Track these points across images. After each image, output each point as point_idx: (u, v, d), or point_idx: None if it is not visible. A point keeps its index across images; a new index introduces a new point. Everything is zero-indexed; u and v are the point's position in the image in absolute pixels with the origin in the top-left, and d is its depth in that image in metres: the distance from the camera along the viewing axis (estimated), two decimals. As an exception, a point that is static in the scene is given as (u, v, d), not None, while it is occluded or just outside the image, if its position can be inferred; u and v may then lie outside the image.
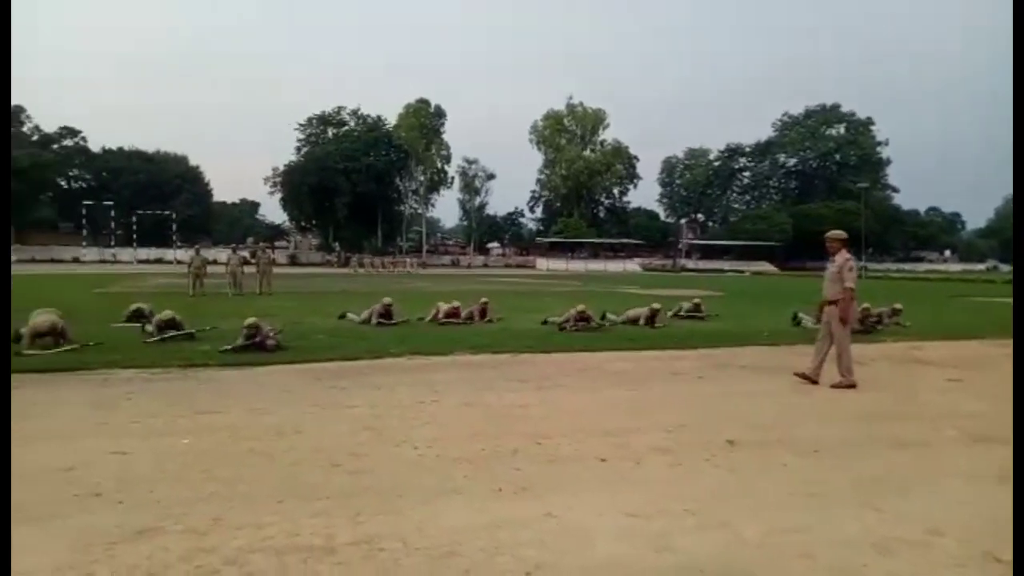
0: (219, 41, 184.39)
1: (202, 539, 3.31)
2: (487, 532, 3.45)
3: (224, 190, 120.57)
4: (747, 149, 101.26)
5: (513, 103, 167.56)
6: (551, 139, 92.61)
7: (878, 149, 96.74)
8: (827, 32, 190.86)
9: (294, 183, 77.32)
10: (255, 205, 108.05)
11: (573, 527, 3.56)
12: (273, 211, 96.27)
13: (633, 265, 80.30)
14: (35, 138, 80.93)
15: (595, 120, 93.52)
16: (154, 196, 78.47)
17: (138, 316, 12.16)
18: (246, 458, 4.72)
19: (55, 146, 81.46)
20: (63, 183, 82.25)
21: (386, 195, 79.88)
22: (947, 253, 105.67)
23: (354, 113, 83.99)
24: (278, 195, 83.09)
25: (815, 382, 7.77)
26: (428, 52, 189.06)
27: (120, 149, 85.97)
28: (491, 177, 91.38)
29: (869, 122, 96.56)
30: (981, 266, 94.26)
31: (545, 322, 13.48)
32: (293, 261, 70.80)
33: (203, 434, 5.33)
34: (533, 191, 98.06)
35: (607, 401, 6.92)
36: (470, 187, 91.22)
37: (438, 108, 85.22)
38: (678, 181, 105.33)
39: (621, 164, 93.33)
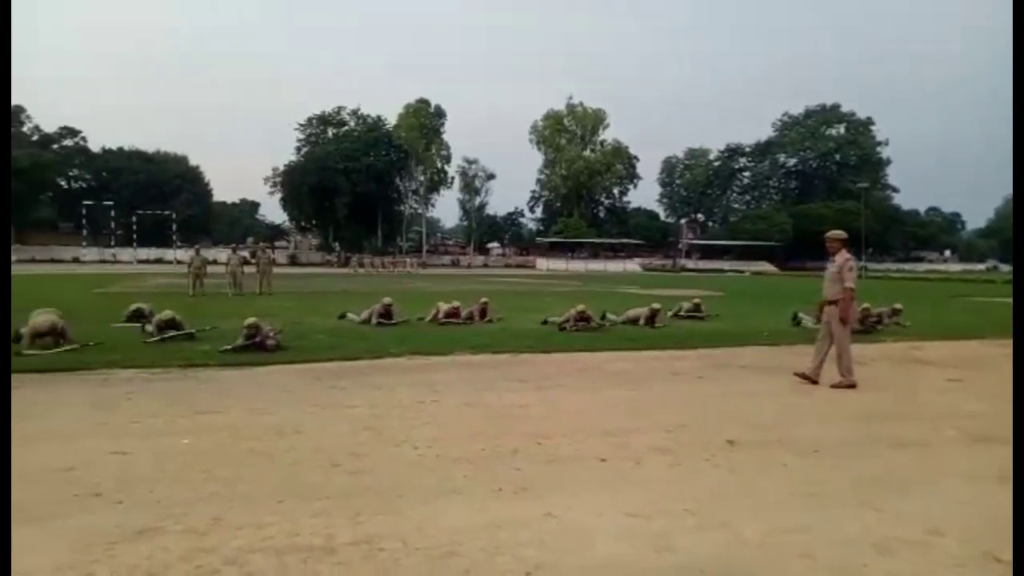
0: (219, 41, 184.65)
1: (202, 539, 3.31)
2: (487, 532, 3.45)
3: (224, 190, 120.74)
4: (747, 149, 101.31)
5: (513, 103, 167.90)
6: (551, 139, 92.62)
7: (878, 149, 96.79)
8: (827, 32, 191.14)
9: (294, 183, 77.33)
10: (255, 205, 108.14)
11: (573, 527, 3.56)
12: (273, 211, 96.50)
13: (633, 265, 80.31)
14: (35, 138, 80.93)
15: (595, 120, 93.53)
16: (154, 196, 78.50)
17: (138, 316, 12.17)
18: (246, 458, 4.72)
19: (55, 146, 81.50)
20: (63, 183, 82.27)
21: (386, 195, 79.89)
22: (947, 253, 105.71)
23: (354, 113, 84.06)
24: (278, 195, 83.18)
25: (815, 382, 7.77)
26: (428, 52, 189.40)
27: (120, 149, 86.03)
28: (491, 177, 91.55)
29: (869, 122, 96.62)
30: (981, 266, 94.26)
31: (545, 322, 13.48)
32: (293, 261, 70.82)
33: (203, 434, 5.33)
34: (533, 191, 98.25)
35: (607, 401, 6.92)
36: (470, 187, 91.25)
37: (438, 108, 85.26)
38: (678, 181, 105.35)
39: (621, 164, 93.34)
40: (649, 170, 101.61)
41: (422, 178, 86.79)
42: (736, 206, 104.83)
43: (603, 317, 13.47)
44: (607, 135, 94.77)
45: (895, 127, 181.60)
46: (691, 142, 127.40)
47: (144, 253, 67.02)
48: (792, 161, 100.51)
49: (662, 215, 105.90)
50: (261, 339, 9.43)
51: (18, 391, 6.83)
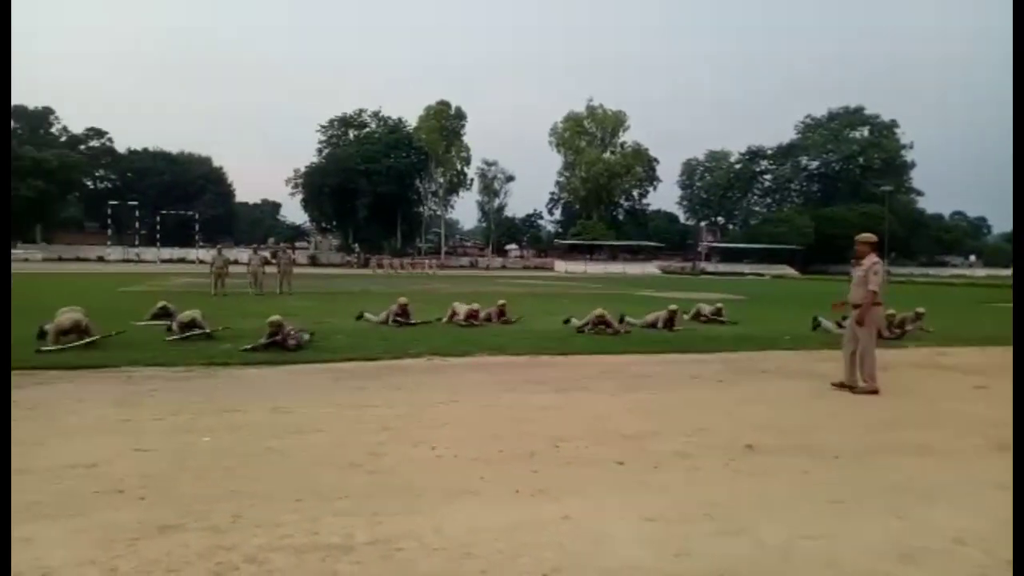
0: (243, 43, 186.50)
1: (222, 536, 3.34)
2: (505, 533, 3.45)
3: (246, 191, 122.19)
4: (769, 151, 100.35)
5: (533, 105, 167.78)
6: (571, 141, 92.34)
7: (902, 152, 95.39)
8: (851, 34, 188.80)
9: (315, 184, 77.92)
10: (276, 206, 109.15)
11: (591, 530, 3.54)
12: (294, 212, 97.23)
13: (652, 268, 79.91)
14: (63, 139, 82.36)
15: (615, 122, 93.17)
16: (178, 196, 79.60)
17: (165, 314, 12.37)
18: (266, 456, 4.76)
19: (82, 147, 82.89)
20: (90, 183, 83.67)
21: (406, 196, 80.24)
22: (972, 258, 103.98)
23: (375, 115, 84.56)
24: (299, 196, 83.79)
25: (853, 388, 7.68)
26: (449, 54, 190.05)
27: (145, 150, 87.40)
28: (510, 179, 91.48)
29: (894, 125, 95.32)
30: (1007, 271, 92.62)
31: (567, 321, 13.45)
32: (313, 262, 71.27)
33: (224, 432, 5.38)
34: (552, 193, 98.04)
35: (626, 404, 6.89)
36: (489, 189, 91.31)
37: (458, 110, 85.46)
38: (698, 183, 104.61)
39: (641, 166, 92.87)
40: (669, 172, 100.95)
41: (442, 180, 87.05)
42: (757, 209, 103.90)
43: (621, 320, 13.42)
44: (627, 137, 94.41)
45: (920, 130, 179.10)
46: (712, 144, 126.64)
47: (167, 253, 67.93)
48: (815, 164, 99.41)
49: (682, 218, 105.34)
50: (282, 338, 9.51)
51: (42, 388, 6.95)
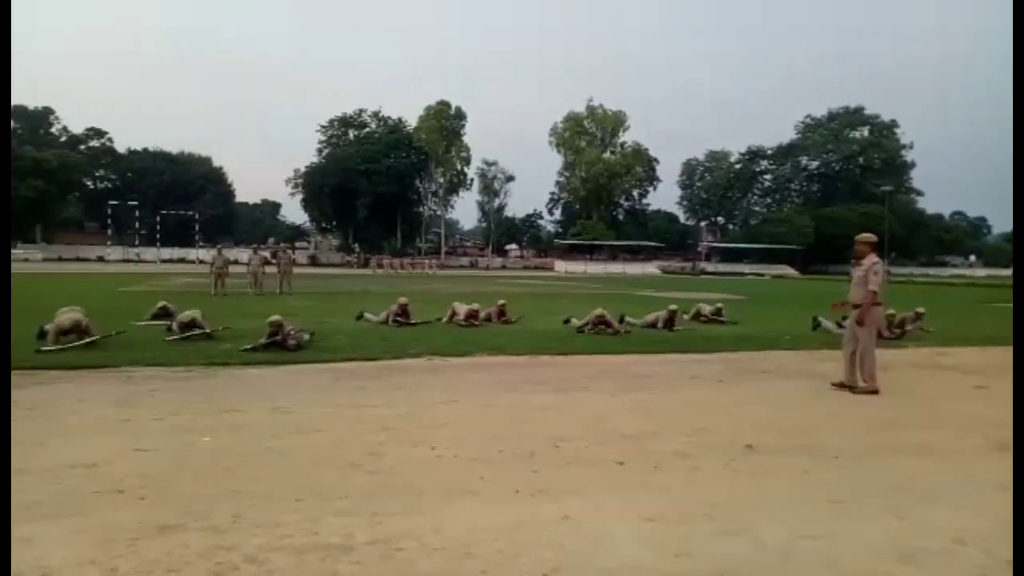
0: (243, 43, 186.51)
1: (222, 536, 3.34)
2: (505, 533, 3.45)
3: (246, 191, 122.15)
4: (769, 151, 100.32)
5: (533, 105, 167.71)
6: (571, 141, 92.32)
7: (902, 152, 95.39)
8: (851, 33, 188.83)
9: (315, 184, 77.94)
10: (276, 206, 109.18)
11: (591, 530, 3.54)
12: (294, 212, 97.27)
13: (652, 268, 79.91)
14: (63, 139, 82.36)
15: (615, 122, 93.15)
16: (178, 196, 79.62)
17: (165, 314, 12.38)
18: (266, 456, 4.76)
19: (82, 147, 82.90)
20: (90, 183, 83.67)
21: (406, 196, 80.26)
22: (972, 258, 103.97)
23: (375, 115, 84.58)
24: (299, 196, 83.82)
25: (853, 388, 7.68)
26: (449, 54, 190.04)
27: (145, 150, 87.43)
28: (510, 179, 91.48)
29: (894, 125, 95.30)
30: (1007, 271, 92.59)
31: (567, 321, 13.46)
32: (313, 262, 71.29)
33: (224, 432, 5.38)
34: (552, 193, 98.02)
35: (626, 404, 6.89)
36: (489, 189, 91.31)
37: (458, 110, 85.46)
38: (698, 184, 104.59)
39: (641, 166, 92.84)
40: (669, 172, 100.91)
41: (441, 180, 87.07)
42: (757, 209, 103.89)
43: (621, 320, 13.41)
44: (627, 137, 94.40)
45: (920, 130, 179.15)
46: (712, 144, 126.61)
47: (167, 253, 67.95)
48: (814, 164, 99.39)
49: (682, 218, 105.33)
50: (282, 338, 9.52)
51: (42, 388, 6.95)
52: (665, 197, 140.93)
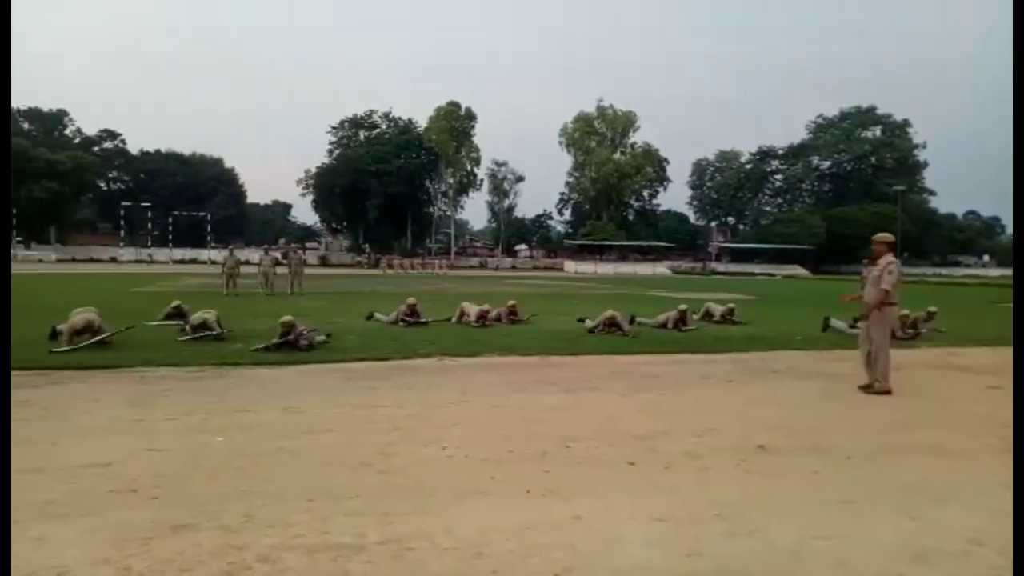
0: (257, 45, 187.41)
1: (234, 536, 3.36)
2: (516, 534, 3.45)
3: (258, 192, 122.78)
4: (780, 151, 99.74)
5: (543, 105, 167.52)
6: (581, 141, 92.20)
7: (915, 152, 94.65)
8: (863, 32, 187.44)
9: (326, 185, 78.28)
10: (287, 207, 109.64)
11: (602, 530, 3.54)
12: (305, 213, 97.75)
13: (662, 268, 79.69)
14: (77, 141, 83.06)
15: (625, 122, 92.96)
16: (190, 198, 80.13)
17: (178, 314, 12.48)
18: (278, 456, 4.78)
19: (96, 148, 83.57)
20: (103, 185, 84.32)
21: (416, 197, 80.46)
22: (986, 258, 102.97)
23: (385, 116, 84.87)
24: (310, 197, 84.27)
25: (867, 388, 7.63)
26: (459, 54, 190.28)
27: (157, 151, 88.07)
28: (520, 179, 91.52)
29: (906, 124, 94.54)
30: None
31: (582, 320, 13.42)
32: (324, 262, 71.49)
33: (236, 432, 5.41)
34: (562, 193, 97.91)
35: (636, 405, 6.87)
36: (499, 189, 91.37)
37: (468, 111, 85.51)
38: (708, 184, 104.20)
39: (651, 167, 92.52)
40: (679, 172, 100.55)
41: (452, 180, 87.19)
42: (768, 209, 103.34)
43: (632, 321, 13.37)
44: (637, 137, 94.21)
45: (933, 129, 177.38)
46: (722, 144, 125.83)
47: (179, 253, 68.34)
48: (826, 164, 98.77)
49: (692, 218, 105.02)
50: (294, 338, 9.56)
51: (56, 388, 7.02)
52: (675, 197, 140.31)
